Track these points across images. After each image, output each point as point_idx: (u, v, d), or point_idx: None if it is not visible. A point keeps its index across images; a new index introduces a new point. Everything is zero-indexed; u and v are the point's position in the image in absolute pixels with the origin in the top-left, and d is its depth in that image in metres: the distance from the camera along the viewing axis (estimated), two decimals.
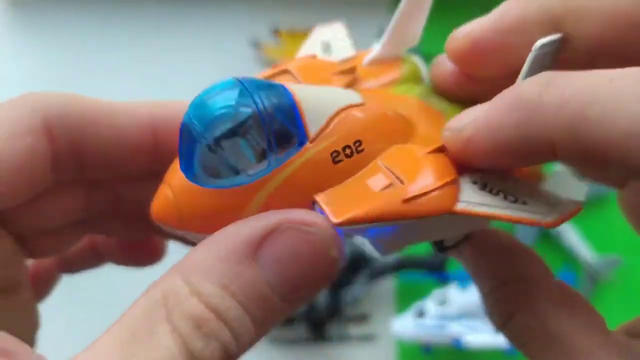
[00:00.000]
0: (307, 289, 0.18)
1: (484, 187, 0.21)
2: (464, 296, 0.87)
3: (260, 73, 0.26)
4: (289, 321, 0.95)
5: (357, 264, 0.92)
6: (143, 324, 0.16)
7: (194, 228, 0.19)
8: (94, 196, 0.23)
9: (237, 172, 0.19)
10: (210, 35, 1.02)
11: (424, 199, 0.20)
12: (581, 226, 1.00)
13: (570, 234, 0.99)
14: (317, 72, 0.27)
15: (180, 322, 0.15)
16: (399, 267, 0.94)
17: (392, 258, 0.94)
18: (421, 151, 0.22)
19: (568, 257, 0.99)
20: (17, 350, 0.18)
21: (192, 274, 0.16)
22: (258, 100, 0.20)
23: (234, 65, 1.00)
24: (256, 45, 0.99)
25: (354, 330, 0.94)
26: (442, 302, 0.88)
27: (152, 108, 0.21)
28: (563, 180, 0.27)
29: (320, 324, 0.97)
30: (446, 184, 0.20)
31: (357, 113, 0.22)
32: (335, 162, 0.21)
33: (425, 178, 0.20)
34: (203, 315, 0.16)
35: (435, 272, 0.95)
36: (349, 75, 0.27)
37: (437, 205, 0.21)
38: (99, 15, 1.03)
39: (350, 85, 0.27)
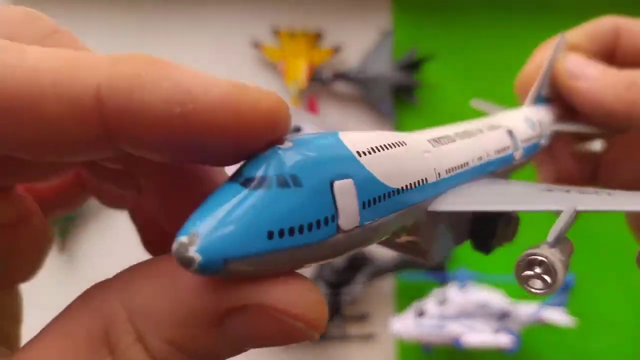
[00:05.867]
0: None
1: None
2: (463, 296, 0.87)
3: None
4: None
5: (357, 264, 0.92)
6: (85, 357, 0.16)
7: None
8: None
9: None
10: (211, 35, 1.02)
11: None
12: None
13: None
14: None
15: None
16: (398, 266, 0.94)
17: (391, 257, 0.94)
18: None
19: None
20: None
21: (141, 321, 0.15)
22: None
23: (234, 65, 1.01)
24: (256, 45, 0.99)
25: (354, 329, 0.93)
26: (442, 302, 0.87)
27: None
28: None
29: None
30: None
31: None
32: None
33: None
34: None
35: (435, 272, 0.94)
36: None
37: None
38: (98, 15, 1.02)
39: None
